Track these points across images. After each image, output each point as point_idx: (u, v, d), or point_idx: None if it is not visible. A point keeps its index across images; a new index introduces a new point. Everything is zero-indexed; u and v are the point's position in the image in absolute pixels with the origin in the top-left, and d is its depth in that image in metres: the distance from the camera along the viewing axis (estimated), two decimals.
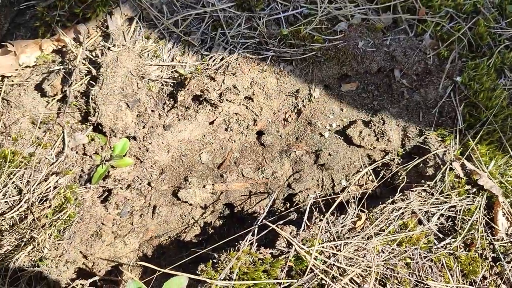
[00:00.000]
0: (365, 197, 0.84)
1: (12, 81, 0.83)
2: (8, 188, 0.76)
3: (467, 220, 0.78)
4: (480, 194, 0.81)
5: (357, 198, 0.83)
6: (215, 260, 0.71)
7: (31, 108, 0.81)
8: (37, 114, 0.81)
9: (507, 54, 0.92)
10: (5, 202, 0.75)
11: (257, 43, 0.91)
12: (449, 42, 0.91)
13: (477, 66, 0.90)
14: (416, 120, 0.89)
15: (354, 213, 0.79)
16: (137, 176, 0.82)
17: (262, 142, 0.91)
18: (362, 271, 0.72)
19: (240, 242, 0.73)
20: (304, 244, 0.72)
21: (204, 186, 0.88)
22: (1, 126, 0.80)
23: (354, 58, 0.91)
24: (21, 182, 0.76)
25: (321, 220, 0.76)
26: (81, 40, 0.85)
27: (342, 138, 0.92)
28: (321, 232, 0.75)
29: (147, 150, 0.83)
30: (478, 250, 0.76)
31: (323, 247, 0.73)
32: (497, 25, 0.93)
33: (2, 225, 0.73)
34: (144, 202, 0.83)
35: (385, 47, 0.91)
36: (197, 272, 0.68)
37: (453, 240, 0.77)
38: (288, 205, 0.91)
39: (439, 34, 0.93)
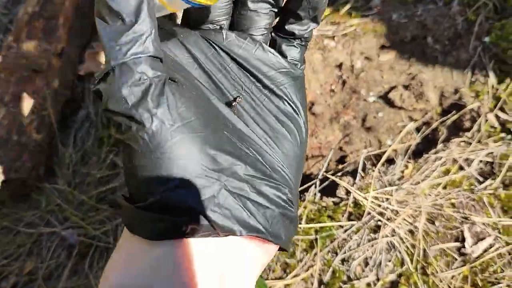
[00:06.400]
0: (411, 152, 0.95)
1: None
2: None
3: (504, 163, 0.88)
4: None
5: (403, 153, 0.94)
6: None
7: None
8: None
9: None
10: None
11: None
12: (475, 7, 1.01)
13: (504, 26, 0.98)
14: (450, 80, 0.99)
15: (401, 163, 0.90)
16: None
17: (313, 112, 1.03)
18: (413, 211, 0.83)
19: (305, 193, 0.86)
20: (360, 192, 0.84)
21: None
22: None
23: (389, 30, 1.01)
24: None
25: (373, 171, 0.88)
26: None
27: (385, 102, 1.02)
28: (374, 181, 0.86)
29: None
30: None
31: (377, 193, 0.85)
32: None
33: None
34: None
35: (417, 17, 1.01)
36: None
37: (492, 181, 0.86)
38: (341, 166, 1.03)
39: (466, 1, 1.02)
